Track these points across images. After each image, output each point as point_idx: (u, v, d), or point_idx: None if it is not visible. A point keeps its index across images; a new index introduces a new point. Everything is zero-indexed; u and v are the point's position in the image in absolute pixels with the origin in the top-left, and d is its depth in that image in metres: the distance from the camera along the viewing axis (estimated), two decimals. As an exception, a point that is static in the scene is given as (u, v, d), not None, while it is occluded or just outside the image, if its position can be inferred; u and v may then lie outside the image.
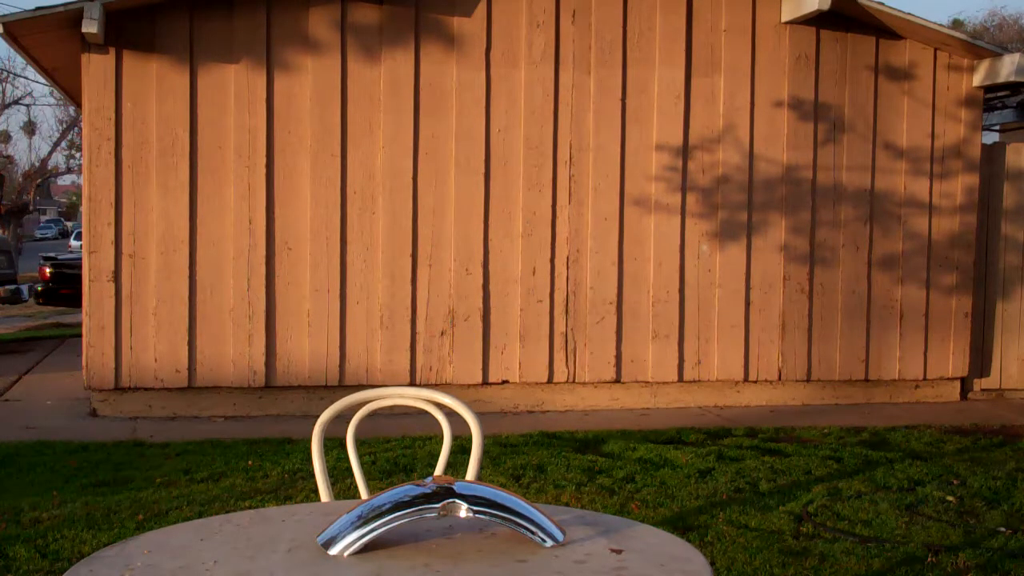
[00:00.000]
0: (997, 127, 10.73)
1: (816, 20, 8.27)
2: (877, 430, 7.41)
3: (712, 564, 3.85)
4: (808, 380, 8.54)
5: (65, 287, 13.89)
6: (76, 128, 37.79)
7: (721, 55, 8.27)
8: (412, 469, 5.97)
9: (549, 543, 1.93)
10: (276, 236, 7.69)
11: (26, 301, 14.69)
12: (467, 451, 2.86)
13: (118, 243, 7.51)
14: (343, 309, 7.78)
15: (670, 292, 8.22)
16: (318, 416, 2.79)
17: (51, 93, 45.22)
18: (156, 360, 7.57)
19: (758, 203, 8.36)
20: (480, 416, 2.72)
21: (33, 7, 7.07)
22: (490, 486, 2.05)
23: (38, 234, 57.82)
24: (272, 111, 7.66)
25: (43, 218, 64.48)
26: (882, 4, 8.06)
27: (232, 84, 7.60)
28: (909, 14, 8.16)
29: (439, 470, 2.78)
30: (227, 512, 3.14)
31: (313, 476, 2.84)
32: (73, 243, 41.50)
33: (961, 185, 8.72)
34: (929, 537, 4.84)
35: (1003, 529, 4.96)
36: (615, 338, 8.15)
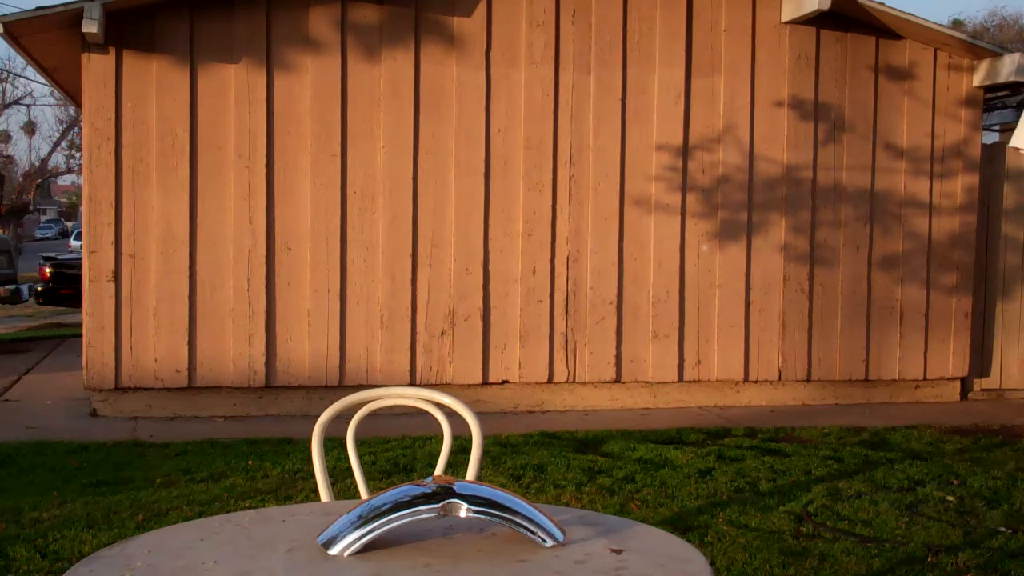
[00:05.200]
0: (997, 127, 10.73)
1: (816, 20, 8.27)
2: (877, 430, 7.41)
3: (712, 564, 3.85)
4: (808, 380, 8.54)
5: (65, 287, 13.90)
6: (76, 128, 37.80)
7: (721, 55, 8.27)
8: (412, 469, 5.97)
9: (549, 543, 1.93)
10: (276, 236, 7.69)
11: (26, 301, 14.69)
12: (467, 451, 2.86)
13: (118, 243, 7.51)
14: (343, 309, 7.78)
15: (670, 292, 8.22)
16: (318, 416, 2.78)
17: (51, 93, 45.25)
18: (156, 360, 7.56)
19: (758, 203, 8.36)
20: (480, 416, 2.72)
21: (33, 7, 7.08)
22: (490, 486, 2.05)
23: (38, 234, 57.81)
24: (272, 111, 7.66)
25: (43, 218, 64.46)
26: (882, 4, 8.06)
27: (232, 84, 7.60)
28: (909, 14, 8.16)
29: (439, 470, 2.77)
30: (227, 512, 3.14)
31: (313, 476, 2.84)
32: (73, 243, 41.48)
33: (961, 185, 8.72)
34: (929, 537, 4.83)
35: (1003, 529, 4.96)
36: (615, 338, 8.15)
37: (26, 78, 48.35)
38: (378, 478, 5.70)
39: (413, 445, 6.57)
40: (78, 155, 39.08)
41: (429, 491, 1.95)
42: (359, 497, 2.64)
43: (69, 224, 63.17)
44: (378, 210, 7.82)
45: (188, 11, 7.54)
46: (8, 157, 47.35)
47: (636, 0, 8.12)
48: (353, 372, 7.80)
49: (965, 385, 8.99)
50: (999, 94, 9.46)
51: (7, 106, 39.94)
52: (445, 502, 1.92)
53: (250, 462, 6.14)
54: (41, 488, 5.57)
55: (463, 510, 1.92)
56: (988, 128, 10.38)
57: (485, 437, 2.75)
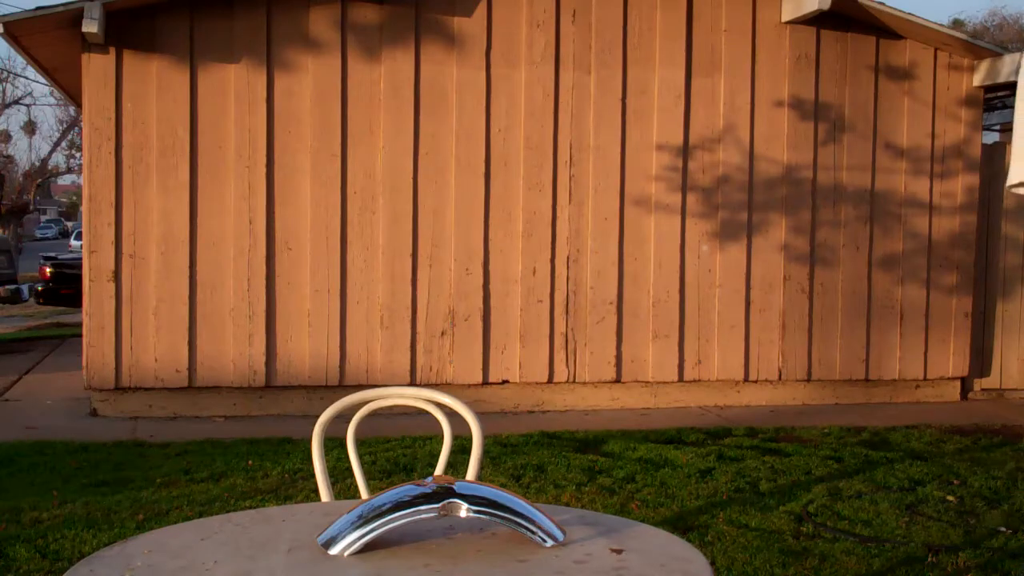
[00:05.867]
0: (997, 127, 10.73)
1: (816, 20, 8.27)
2: (877, 430, 7.40)
3: (712, 564, 3.85)
4: (808, 380, 8.54)
5: (65, 287, 13.90)
6: (76, 128, 37.80)
7: (721, 55, 8.27)
8: (412, 469, 5.97)
9: (549, 543, 1.93)
10: (276, 236, 7.69)
11: (26, 301, 14.69)
12: (467, 451, 2.86)
13: (118, 243, 7.51)
14: (343, 309, 7.78)
15: (670, 292, 8.22)
16: (318, 416, 2.78)
17: (51, 93, 45.23)
18: (156, 360, 7.56)
19: (758, 203, 8.36)
20: (480, 416, 2.72)
21: (33, 7, 7.07)
22: (490, 486, 2.05)
23: (38, 234, 57.79)
24: (272, 111, 7.65)
25: (43, 218, 64.44)
26: (882, 4, 8.06)
27: (232, 84, 7.60)
28: (909, 14, 8.16)
29: (439, 470, 2.77)
30: (227, 512, 3.14)
31: (313, 476, 2.84)
32: (73, 243, 41.47)
33: (961, 185, 8.72)
34: (929, 537, 4.83)
35: (1003, 529, 4.96)
36: (615, 338, 8.15)
37: (26, 78, 48.32)
38: (378, 478, 5.70)
39: (413, 445, 6.57)
40: (78, 155, 39.10)
41: (429, 491, 1.95)
42: (359, 497, 2.64)
43: (69, 224, 63.15)
44: (378, 210, 7.82)
45: (188, 11, 7.54)
46: (8, 157, 47.34)
47: (636, 0, 8.12)
48: (353, 372, 7.80)
49: (965, 385, 8.99)
50: (999, 94, 9.46)
51: (7, 106, 39.94)
52: (445, 502, 1.92)
53: (250, 462, 6.14)
54: (41, 488, 5.57)
55: (463, 510, 1.92)
56: (988, 128, 10.38)
57: (485, 437, 2.75)
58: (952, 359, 8.75)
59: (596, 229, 8.10)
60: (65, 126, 40.26)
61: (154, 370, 7.57)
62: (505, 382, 8.07)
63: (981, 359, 8.99)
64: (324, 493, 2.72)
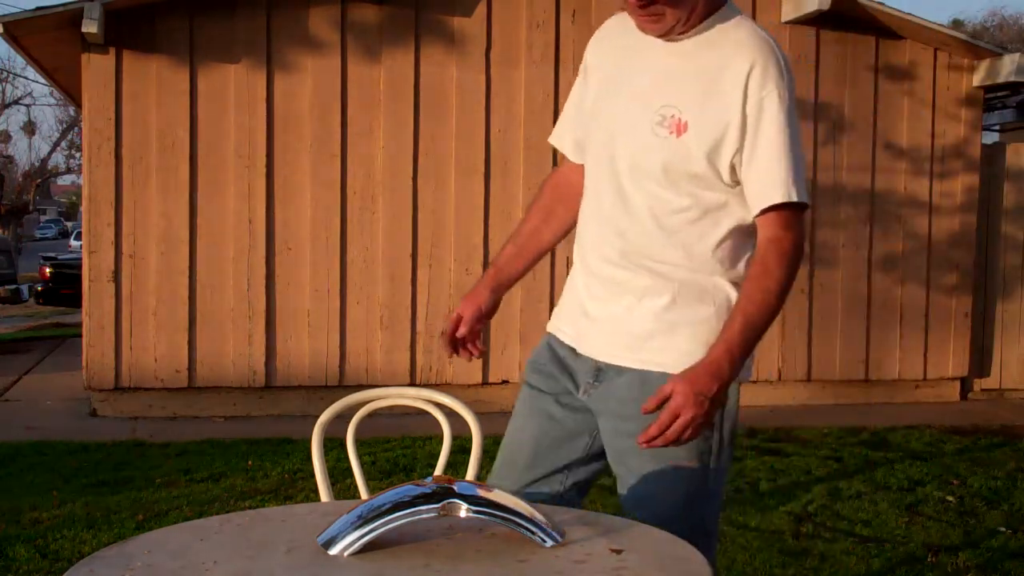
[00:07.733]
0: (997, 127, 10.73)
1: (816, 20, 8.26)
2: (877, 430, 7.41)
3: (712, 564, 3.85)
4: (808, 380, 8.54)
5: (65, 287, 13.91)
6: (76, 128, 37.82)
7: (721, 55, 8.26)
8: (412, 469, 5.97)
9: (549, 543, 1.93)
10: (276, 236, 7.69)
11: (26, 301, 14.70)
12: (467, 451, 2.87)
13: (118, 243, 7.51)
14: (343, 309, 7.78)
15: (670, 292, 8.20)
16: (318, 416, 2.78)
17: (51, 93, 45.26)
18: (156, 360, 7.56)
19: (758, 203, 8.35)
20: (480, 416, 2.72)
21: (33, 7, 7.08)
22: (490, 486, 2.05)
23: (38, 234, 57.75)
24: (272, 111, 7.66)
25: (43, 218, 64.39)
26: (882, 4, 8.06)
27: (232, 84, 7.60)
28: (909, 14, 8.15)
29: (439, 470, 2.78)
30: (227, 512, 3.14)
31: (313, 476, 2.84)
32: (73, 243, 41.42)
33: (961, 185, 8.72)
34: (929, 537, 4.84)
35: (1003, 529, 4.97)
36: (615, 338, 8.13)
37: (26, 78, 48.44)
38: (378, 478, 5.70)
39: (413, 445, 6.58)
40: (78, 155, 39.09)
41: (429, 491, 1.95)
42: (359, 497, 2.64)
43: (69, 224, 63.10)
44: (378, 210, 7.82)
45: (188, 11, 7.54)
46: (8, 157, 47.38)
47: (636, 0, 8.11)
48: (353, 372, 7.80)
49: (965, 385, 8.98)
50: (999, 94, 9.46)
51: (7, 106, 39.98)
52: (445, 502, 1.92)
53: (250, 462, 6.14)
54: (41, 488, 5.57)
55: (463, 510, 1.92)
56: (988, 128, 10.38)
57: (485, 437, 2.76)
58: (952, 359, 8.75)
59: (596, 229, 8.08)
60: (65, 126, 40.33)
61: (154, 370, 7.57)
62: (505, 382, 8.07)
63: (981, 359, 8.99)
64: (324, 493, 2.72)
